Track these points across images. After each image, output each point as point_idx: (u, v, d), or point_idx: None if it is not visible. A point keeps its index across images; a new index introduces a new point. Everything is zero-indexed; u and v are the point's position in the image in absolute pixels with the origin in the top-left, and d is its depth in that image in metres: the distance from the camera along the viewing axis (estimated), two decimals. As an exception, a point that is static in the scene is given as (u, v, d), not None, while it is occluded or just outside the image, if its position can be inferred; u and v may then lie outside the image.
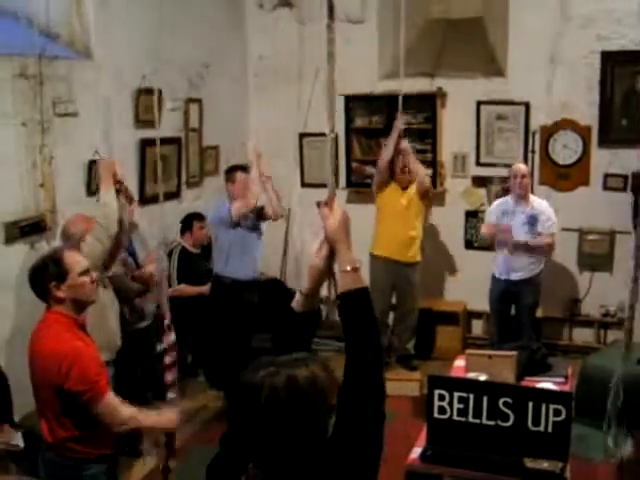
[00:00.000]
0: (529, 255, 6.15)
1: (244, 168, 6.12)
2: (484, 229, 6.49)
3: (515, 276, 6.21)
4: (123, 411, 3.18)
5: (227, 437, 1.98)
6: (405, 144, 6.36)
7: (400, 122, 6.30)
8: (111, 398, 3.16)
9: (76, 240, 4.31)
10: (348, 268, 2.00)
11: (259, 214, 6.02)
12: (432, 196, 6.88)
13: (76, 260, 3.25)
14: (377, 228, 6.58)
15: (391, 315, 6.89)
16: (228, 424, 1.91)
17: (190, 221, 6.42)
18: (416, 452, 3.72)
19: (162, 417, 3.51)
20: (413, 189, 6.49)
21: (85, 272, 3.26)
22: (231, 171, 6.12)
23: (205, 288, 6.15)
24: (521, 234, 6.12)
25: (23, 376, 4.46)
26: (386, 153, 6.43)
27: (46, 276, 3.20)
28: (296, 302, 2.13)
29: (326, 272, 2.10)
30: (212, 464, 2.06)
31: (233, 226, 5.87)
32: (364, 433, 1.89)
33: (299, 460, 1.82)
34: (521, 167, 6.29)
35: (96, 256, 4.21)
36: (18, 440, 4.29)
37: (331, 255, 2.06)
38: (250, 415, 1.79)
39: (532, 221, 6.13)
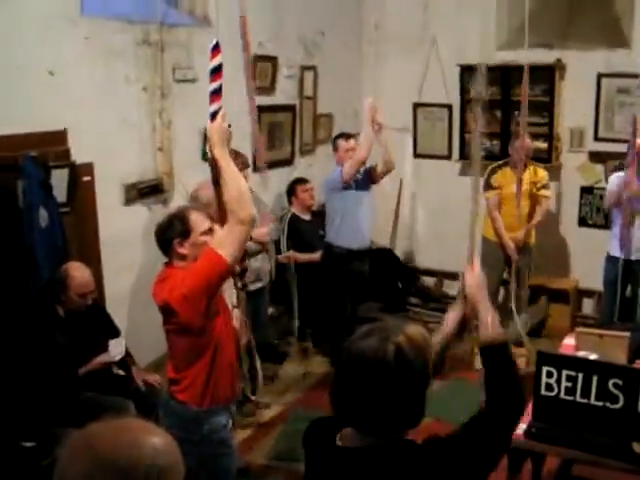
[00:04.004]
0: None
1: (349, 135, 6.11)
2: (607, 198, 6.09)
3: (635, 256, 5.98)
4: (231, 243, 3.04)
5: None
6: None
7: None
8: (226, 255, 3.01)
9: (203, 204, 4.45)
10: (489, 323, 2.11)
11: (369, 174, 5.99)
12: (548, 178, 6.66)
13: (200, 220, 3.33)
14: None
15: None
16: (334, 389, 1.93)
17: (293, 186, 6.49)
18: (520, 428, 3.67)
19: None
20: (527, 174, 6.23)
21: (207, 232, 3.32)
22: (335, 139, 6.16)
23: (315, 256, 6.21)
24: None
25: (141, 329, 4.64)
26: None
27: (171, 232, 3.30)
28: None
29: (456, 333, 2.24)
30: (310, 427, 2.13)
31: (344, 187, 5.82)
32: (479, 460, 1.93)
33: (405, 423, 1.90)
34: None
35: None
36: (117, 350, 4.33)
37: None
38: (374, 376, 1.83)
39: None
